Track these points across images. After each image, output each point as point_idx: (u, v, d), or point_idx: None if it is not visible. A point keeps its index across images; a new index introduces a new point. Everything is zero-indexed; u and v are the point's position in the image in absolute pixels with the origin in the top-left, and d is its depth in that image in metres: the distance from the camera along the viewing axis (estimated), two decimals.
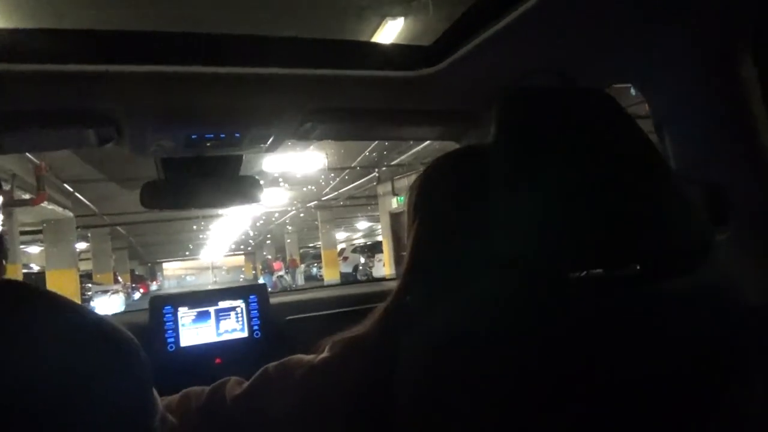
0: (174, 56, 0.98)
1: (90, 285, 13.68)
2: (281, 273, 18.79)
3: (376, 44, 1.23)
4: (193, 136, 1.18)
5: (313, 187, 12.05)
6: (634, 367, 0.56)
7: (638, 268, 0.66)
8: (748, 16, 0.83)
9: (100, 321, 0.64)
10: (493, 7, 0.93)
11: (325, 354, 0.79)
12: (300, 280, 19.08)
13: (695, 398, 0.57)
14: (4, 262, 0.64)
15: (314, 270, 21.38)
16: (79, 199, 10.33)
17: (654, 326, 0.59)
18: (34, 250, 16.30)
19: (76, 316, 0.61)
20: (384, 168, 11.97)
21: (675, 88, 0.94)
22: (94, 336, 0.61)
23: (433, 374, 0.61)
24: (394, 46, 1.62)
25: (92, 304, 11.99)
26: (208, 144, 1.23)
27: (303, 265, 21.82)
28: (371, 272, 16.68)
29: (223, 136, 1.20)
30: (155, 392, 0.72)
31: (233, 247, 28.02)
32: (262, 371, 0.85)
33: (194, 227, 17.64)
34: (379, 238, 17.01)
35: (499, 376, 0.57)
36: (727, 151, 0.88)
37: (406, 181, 11.21)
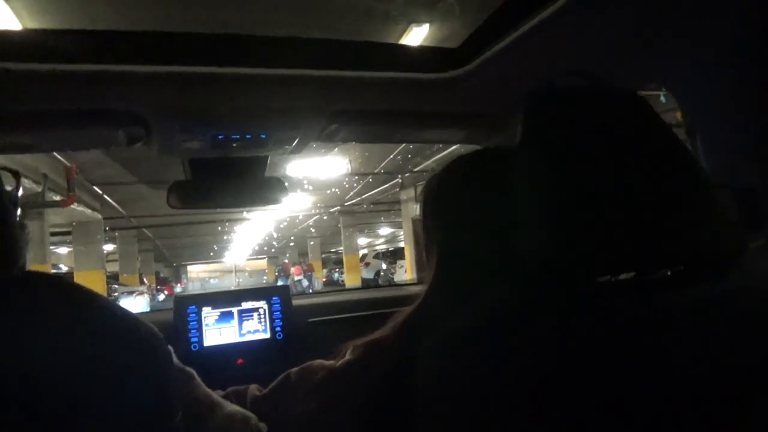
0: (201, 57, 1.00)
1: (116, 286, 13.94)
2: (299, 277, 18.96)
3: (401, 46, 1.24)
4: (219, 137, 1.19)
5: (337, 190, 12.07)
6: (659, 373, 0.55)
7: (668, 273, 0.64)
8: None
9: (127, 314, 0.66)
10: (520, 10, 0.92)
11: (346, 357, 0.79)
12: (317, 285, 19.15)
13: (720, 407, 0.56)
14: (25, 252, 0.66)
15: (336, 275, 21.44)
16: (108, 201, 10.53)
17: (682, 332, 0.57)
18: (63, 251, 16.68)
19: (106, 309, 0.63)
20: (407, 174, 11.95)
21: (707, 91, 0.92)
22: (121, 327, 0.63)
23: (452, 376, 0.60)
24: (420, 49, 1.62)
25: None
26: (235, 145, 1.24)
27: (325, 270, 21.89)
28: (392, 278, 16.65)
29: (249, 137, 1.22)
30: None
31: (257, 249, 28.26)
32: (284, 376, 0.86)
33: (219, 230, 17.83)
34: (401, 245, 16.99)
35: (520, 380, 0.55)
36: (761, 155, 0.85)
37: None
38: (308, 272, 19.48)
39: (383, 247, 24.88)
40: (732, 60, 0.87)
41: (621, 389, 0.54)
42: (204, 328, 1.60)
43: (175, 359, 0.75)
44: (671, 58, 0.96)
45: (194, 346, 1.58)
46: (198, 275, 36.62)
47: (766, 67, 0.83)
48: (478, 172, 0.78)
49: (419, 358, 0.65)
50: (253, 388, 0.89)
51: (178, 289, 24.45)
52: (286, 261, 24.20)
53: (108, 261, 15.10)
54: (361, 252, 21.17)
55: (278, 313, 1.68)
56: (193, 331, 1.59)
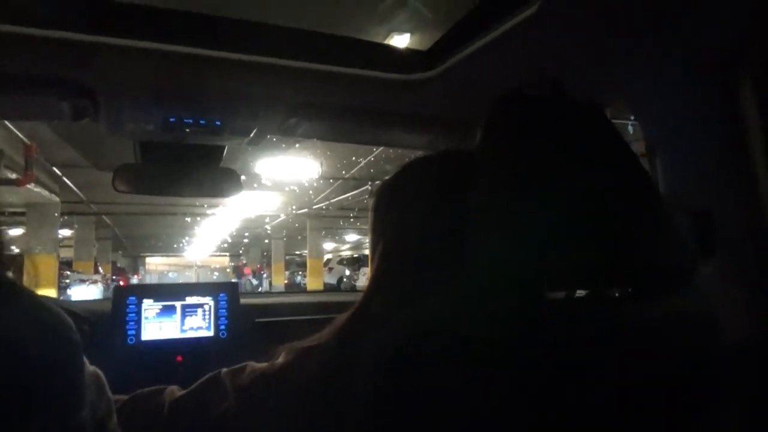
0: (157, 33, 0.94)
1: (68, 273, 13.47)
2: (248, 277, 21.10)
3: (369, 43, 1.19)
4: (171, 119, 1.14)
5: (296, 189, 11.96)
6: (605, 390, 0.54)
7: (618, 292, 0.62)
8: (743, 40, 0.82)
9: (37, 301, 0.60)
10: (490, 15, 0.91)
11: (278, 360, 0.76)
12: (265, 285, 20.81)
13: (662, 425, 0.56)
14: None
15: (298, 278, 21.30)
16: (67, 184, 10.20)
17: (629, 351, 0.56)
18: (16, 232, 16.09)
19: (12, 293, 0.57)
20: (378, 182, 11.96)
21: (668, 111, 0.92)
22: (28, 314, 0.57)
23: (394, 383, 0.57)
24: (387, 48, 1.60)
25: (69, 292, 11.80)
26: (188, 130, 1.18)
27: (287, 272, 21.80)
28: (355, 285, 16.61)
29: (203, 122, 1.16)
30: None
31: (223, 247, 27.86)
32: (212, 374, 0.83)
33: (181, 222, 17.49)
34: (366, 252, 16.97)
35: (464, 391, 0.53)
36: (717, 178, 0.86)
37: None
38: (258, 273, 21.21)
39: (349, 253, 24.80)
40: (693, 82, 0.87)
41: (566, 404, 0.53)
42: (143, 321, 1.53)
43: (87, 365, 0.69)
44: (635, 77, 0.96)
45: (130, 339, 1.51)
46: (157, 268, 35.86)
47: (726, 91, 0.83)
48: (434, 173, 0.75)
49: (358, 361, 0.61)
50: (173, 388, 0.84)
51: (134, 280, 23.85)
52: (244, 261, 24.29)
53: (63, 246, 14.62)
54: (326, 257, 21.11)
55: (224, 310, 1.62)
56: (130, 323, 1.51)
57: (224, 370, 0.82)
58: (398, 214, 0.74)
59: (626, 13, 0.83)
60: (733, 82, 0.83)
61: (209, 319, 1.60)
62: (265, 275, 21.95)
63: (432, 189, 0.72)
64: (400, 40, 4.66)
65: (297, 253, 25.58)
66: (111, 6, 0.97)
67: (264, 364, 0.78)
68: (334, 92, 1.15)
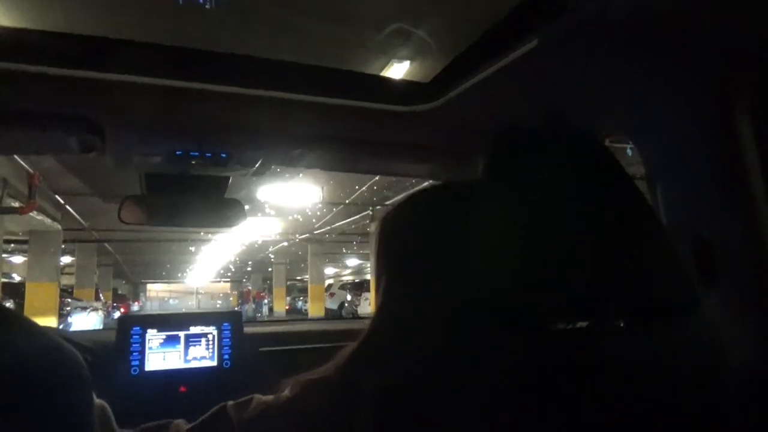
0: (164, 69, 0.96)
1: (69, 300, 13.41)
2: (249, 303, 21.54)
3: (371, 76, 1.22)
4: (177, 152, 1.15)
5: (299, 217, 11.98)
6: (609, 420, 0.53)
7: (622, 323, 0.62)
8: (743, 69, 0.83)
9: (46, 337, 0.60)
10: (491, 49, 0.92)
11: (284, 393, 0.75)
12: (264, 311, 21.13)
13: None
14: None
15: (299, 303, 21.18)
16: (69, 211, 10.23)
17: (631, 380, 0.56)
18: (18, 260, 16.06)
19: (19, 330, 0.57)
20: (379, 207, 11.98)
21: (668, 142, 0.93)
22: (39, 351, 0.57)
23: (391, 418, 0.57)
24: (390, 80, 1.63)
25: (69, 320, 11.72)
26: (194, 162, 1.20)
27: (288, 298, 21.71)
28: (356, 310, 16.49)
29: (208, 155, 1.18)
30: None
31: (223, 272, 27.74)
32: (219, 407, 0.82)
33: (182, 249, 17.47)
34: (368, 276, 16.90)
35: (459, 424, 0.53)
36: (719, 208, 0.86)
37: None
38: (257, 299, 21.41)
39: (350, 278, 24.68)
40: (692, 113, 0.88)
41: None
42: (147, 351, 1.52)
43: (95, 399, 0.69)
44: (635, 107, 0.97)
45: (134, 370, 1.50)
46: (158, 294, 35.67)
47: (726, 120, 0.84)
48: (435, 207, 0.76)
49: (360, 400, 0.62)
50: (179, 423, 0.84)
51: (135, 307, 23.72)
52: (249, 287, 24.14)
53: (64, 273, 14.56)
54: (327, 282, 21.01)
55: (228, 340, 1.61)
56: (134, 354, 1.51)
57: (230, 403, 0.82)
58: (400, 249, 0.74)
59: (624, 46, 0.84)
60: (732, 112, 0.84)
61: (213, 348, 1.59)
62: (266, 301, 21.86)
63: (434, 223, 0.72)
64: (400, 68, 4.72)
65: (298, 278, 25.47)
66: (118, 43, 0.99)
67: (269, 397, 0.78)
68: (337, 124, 1.17)
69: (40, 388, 0.53)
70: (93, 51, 0.97)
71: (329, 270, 25.26)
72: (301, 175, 7.85)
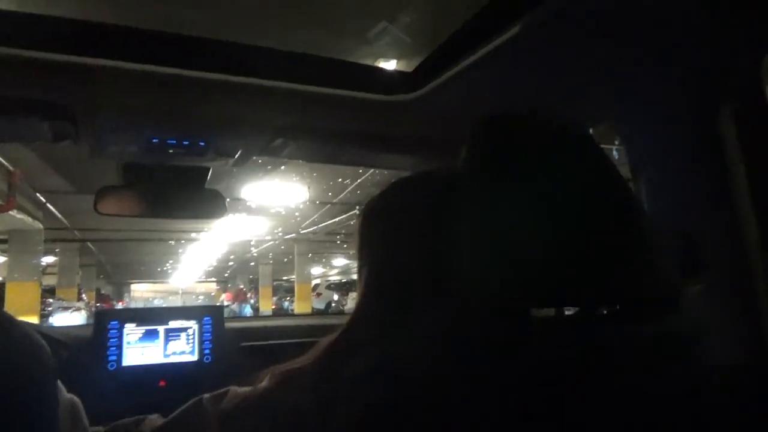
0: (139, 53, 0.94)
1: (51, 300, 13.22)
2: (228, 303, 20.83)
3: (354, 64, 1.20)
4: (153, 140, 1.13)
5: (282, 210, 11.90)
6: (593, 408, 0.53)
7: (604, 312, 0.62)
8: (727, 66, 0.83)
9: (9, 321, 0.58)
10: (474, 37, 0.92)
11: (262, 384, 0.74)
12: (247, 311, 20.22)
13: None
14: None
15: (286, 303, 21.10)
16: (51, 210, 10.08)
17: (613, 372, 0.56)
18: None
19: None
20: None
21: (652, 134, 0.93)
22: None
23: (380, 407, 0.55)
24: (374, 69, 1.60)
25: (51, 320, 11.56)
26: (171, 151, 1.17)
27: (275, 298, 21.60)
28: (343, 310, 16.48)
29: (186, 143, 1.15)
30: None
31: (209, 272, 27.54)
32: (195, 400, 0.80)
33: (167, 249, 17.30)
34: (355, 277, 16.89)
35: (451, 415, 0.52)
36: (702, 200, 0.86)
37: None
38: (239, 300, 20.77)
39: (337, 278, 24.63)
40: (677, 106, 0.88)
41: (553, 423, 0.52)
42: (125, 345, 1.49)
43: (64, 393, 0.66)
44: (619, 98, 0.97)
45: (112, 365, 1.47)
46: (142, 294, 35.33)
47: (710, 114, 0.84)
48: (417, 195, 0.74)
49: (338, 391, 0.60)
50: (154, 418, 0.82)
51: (119, 307, 23.48)
52: (241, 286, 23.96)
53: (46, 273, 14.36)
54: (314, 282, 20.95)
55: (209, 334, 1.59)
56: (112, 348, 1.48)
57: (206, 395, 0.80)
58: (382, 239, 0.73)
59: (608, 35, 0.84)
60: (716, 107, 0.84)
61: (193, 343, 1.57)
62: (253, 300, 21.69)
63: (415, 212, 0.71)
64: (382, 57, 4.69)
65: (285, 278, 25.37)
66: (90, 26, 0.97)
67: (247, 389, 0.76)
68: (319, 113, 1.15)
69: None
70: (64, 34, 0.95)
71: (316, 270, 25.19)
72: (283, 168, 7.78)
